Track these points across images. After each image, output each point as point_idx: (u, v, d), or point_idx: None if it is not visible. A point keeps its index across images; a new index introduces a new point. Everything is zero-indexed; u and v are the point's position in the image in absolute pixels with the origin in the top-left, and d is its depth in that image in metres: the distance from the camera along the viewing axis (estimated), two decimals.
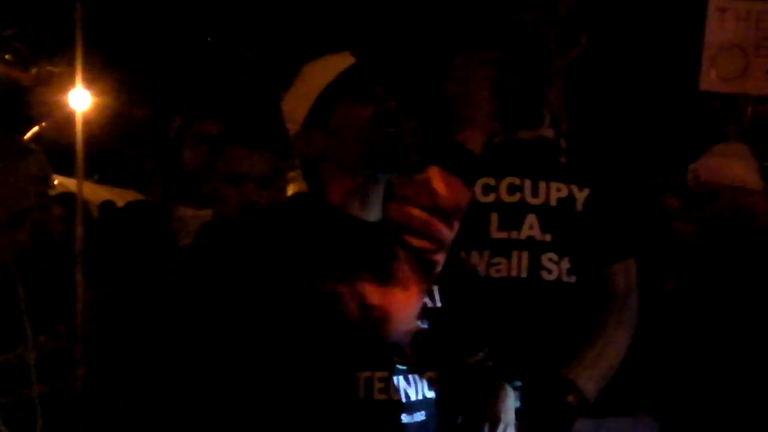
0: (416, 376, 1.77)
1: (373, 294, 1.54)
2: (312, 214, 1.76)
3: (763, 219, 2.82)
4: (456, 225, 1.58)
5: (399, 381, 1.74)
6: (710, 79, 2.87)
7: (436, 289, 1.88)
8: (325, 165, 1.78)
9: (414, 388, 1.77)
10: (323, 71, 1.79)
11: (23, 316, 2.17)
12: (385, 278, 1.55)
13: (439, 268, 1.60)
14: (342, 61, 1.80)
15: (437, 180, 1.57)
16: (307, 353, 1.61)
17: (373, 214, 1.80)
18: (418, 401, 1.76)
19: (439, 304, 1.88)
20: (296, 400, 1.66)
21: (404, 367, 1.75)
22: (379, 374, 1.71)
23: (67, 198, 3.91)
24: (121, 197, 8.88)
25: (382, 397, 1.71)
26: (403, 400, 1.74)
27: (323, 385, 1.66)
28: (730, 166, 2.81)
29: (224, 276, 1.68)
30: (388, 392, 1.72)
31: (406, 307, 1.57)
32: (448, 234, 1.57)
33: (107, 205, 7.80)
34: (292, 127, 1.82)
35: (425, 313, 1.83)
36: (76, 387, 2.14)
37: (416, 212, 1.55)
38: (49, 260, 2.24)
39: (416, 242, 1.55)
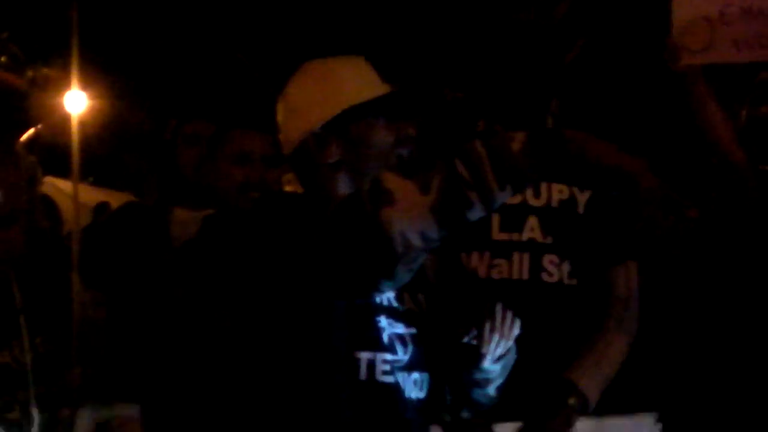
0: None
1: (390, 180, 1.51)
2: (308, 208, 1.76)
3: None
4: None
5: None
6: (677, 54, 2.77)
7: (422, 297, 1.89)
8: (337, 173, 1.78)
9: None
10: (359, 84, 1.80)
11: (19, 318, 2.16)
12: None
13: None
14: (377, 81, 1.82)
15: None
16: (306, 334, 1.60)
17: None
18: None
19: (425, 309, 1.89)
20: (296, 381, 1.66)
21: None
22: (383, 356, 1.70)
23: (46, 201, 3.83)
24: (116, 200, 8.84)
25: (388, 380, 1.71)
26: None
27: (322, 366, 1.66)
28: None
29: (224, 262, 1.67)
30: (394, 375, 1.71)
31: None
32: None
33: (102, 207, 7.76)
34: (301, 124, 1.80)
35: (413, 318, 1.84)
36: (72, 389, 2.14)
37: None
38: (44, 261, 2.23)
39: None
